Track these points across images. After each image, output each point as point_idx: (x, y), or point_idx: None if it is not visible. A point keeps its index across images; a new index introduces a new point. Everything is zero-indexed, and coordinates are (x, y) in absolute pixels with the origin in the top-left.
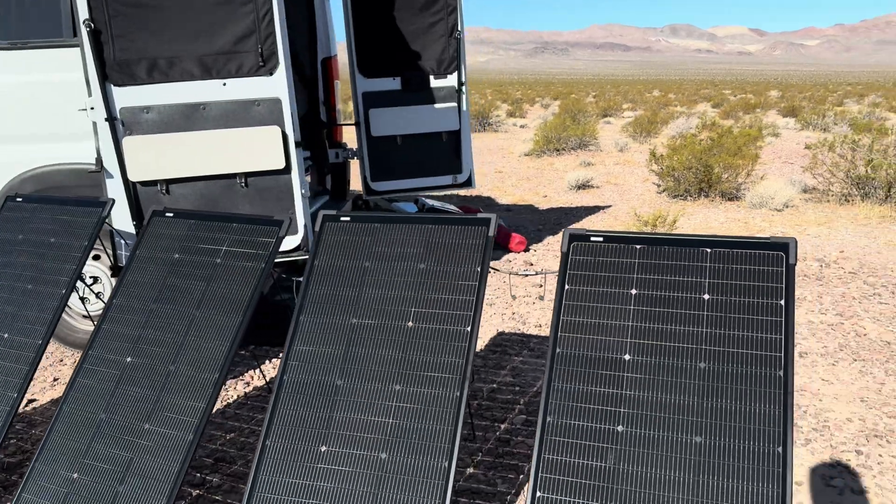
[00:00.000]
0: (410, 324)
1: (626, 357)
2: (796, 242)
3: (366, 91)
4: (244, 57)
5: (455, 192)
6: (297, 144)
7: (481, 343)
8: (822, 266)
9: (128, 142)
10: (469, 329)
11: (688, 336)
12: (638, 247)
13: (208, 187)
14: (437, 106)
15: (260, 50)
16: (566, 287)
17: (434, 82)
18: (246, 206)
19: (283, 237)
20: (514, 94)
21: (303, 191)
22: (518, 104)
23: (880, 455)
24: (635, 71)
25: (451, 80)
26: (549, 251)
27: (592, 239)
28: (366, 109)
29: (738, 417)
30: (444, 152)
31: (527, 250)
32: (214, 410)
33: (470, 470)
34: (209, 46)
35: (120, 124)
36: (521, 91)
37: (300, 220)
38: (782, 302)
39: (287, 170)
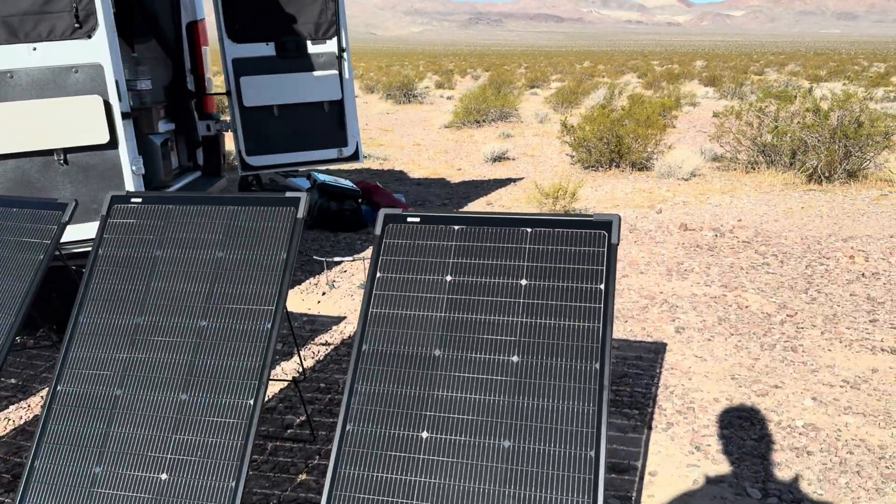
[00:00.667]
0: (204, 322)
1: (437, 352)
2: (619, 220)
3: (236, 57)
4: (57, 18)
5: (341, 166)
6: (126, 115)
7: (333, 333)
8: (716, 236)
9: None
10: (269, 326)
11: (502, 327)
12: (456, 227)
13: (21, 166)
14: (315, 73)
15: (75, 9)
16: (378, 275)
17: (312, 48)
18: (67, 187)
19: (68, 223)
20: (446, 66)
21: (134, 167)
22: (448, 75)
23: (742, 439)
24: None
25: (331, 46)
26: None
27: (409, 220)
28: (236, 78)
29: (549, 417)
30: (327, 124)
31: None
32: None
33: (301, 477)
34: (14, 6)
35: None
36: (455, 62)
37: None
38: (602, 286)
39: (113, 144)
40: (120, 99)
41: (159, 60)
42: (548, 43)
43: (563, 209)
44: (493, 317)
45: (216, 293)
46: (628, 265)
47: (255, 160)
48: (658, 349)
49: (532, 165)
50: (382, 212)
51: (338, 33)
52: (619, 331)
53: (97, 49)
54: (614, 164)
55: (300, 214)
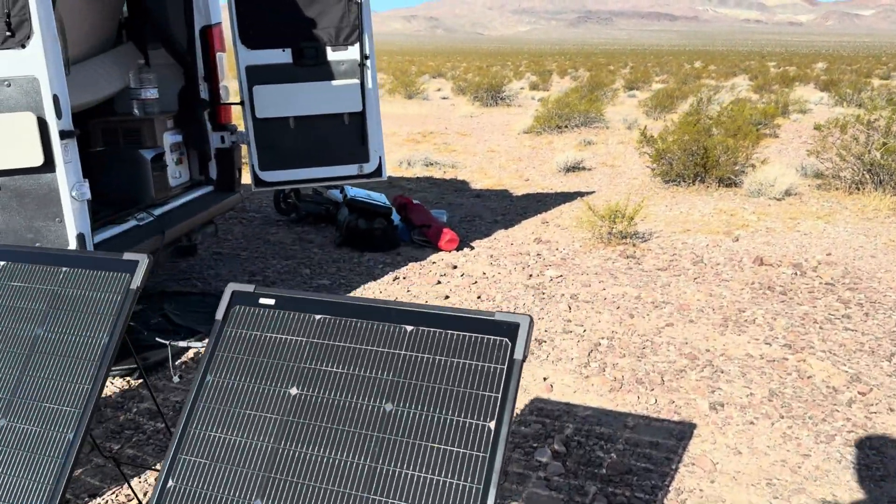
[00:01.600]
0: (2, 422)
1: None
2: (531, 323)
3: (250, 65)
4: None
5: (363, 180)
6: (66, 134)
7: None
8: (796, 274)
9: None
10: (72, 436)
11: (348, 474)
12: (318, 318)
13: None
14: (335, 83)
15: (7, 16)
16: (207, 378)
17: (332, 55)
18: None
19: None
20: (548, 66)
21: (74, 193)
22: (545, 76)
23: None
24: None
25: (353, 53)
26: (483, 254)
27: (261, 302)
28: (250, 86)
29: None
30: (347, 137)
31: (459, 249)
32: None
33: None
34: None
35: None
36: (558, 62)
37: (70, 231)
38: (492, 424)
39: (49, 167)
40: (59, 116)
41: (169, 67)
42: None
43: (619, 234)
44: (337, 456)
45: (25, 382)
46: (678, 310)
47: (268, 175)
48: (683, 433)
49: (608, 178)
50: (230, 288)
51: (360, 39)
52: (641, 404)
53: (31, 60)
54: (699, 178)
55: (135, 283)
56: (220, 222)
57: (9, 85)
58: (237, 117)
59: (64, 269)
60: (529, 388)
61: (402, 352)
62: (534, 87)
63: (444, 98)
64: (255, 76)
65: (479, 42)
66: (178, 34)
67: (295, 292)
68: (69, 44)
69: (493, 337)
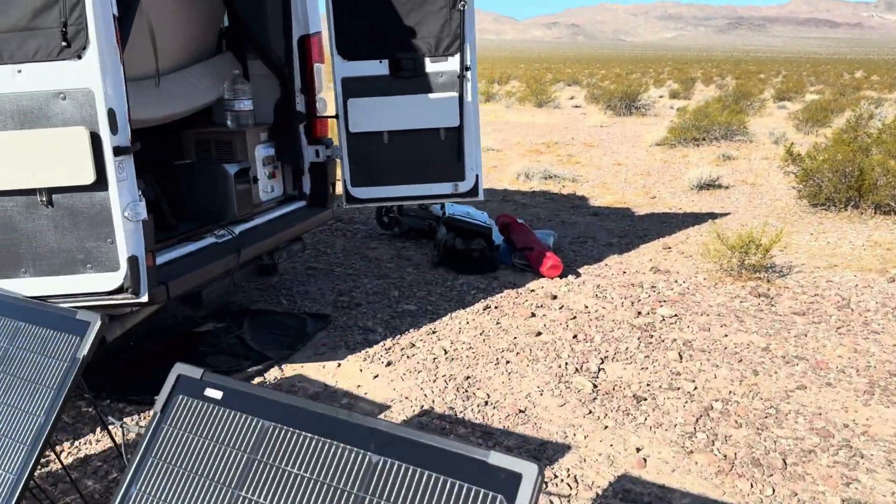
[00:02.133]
0: None
1: None
2: (538, 475)
3: (346, 76)
4: (44, 35)
5: (459, 199)
6: (121, 151)
7: None
8: None
9: None
10: None
11: None
12: (267, 425)
13: (4, 207)
14: (432, 96)
15: (63, 25)
16: (131, 490)
17: (430, 66)
18: (50, 233)
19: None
20: (692, 73)
21: (127, 213)
22: (688, 84)
23: None
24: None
25: (453, 64)
26: (589, 283)
27: (206, 394)
28: (345, 99)
29: None
30: (442, 154)
31: (562, 276)
32: None
33: None
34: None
35: None
36: (704, 70)
37: (122, 253)
38: None
39: (101, 185)
40: (113, 131)
41: (266, 78)
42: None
43: (751, 267)
44: None
45: None
46: (813, 368)
47: (359, 192)
48: None
49: (747, 198)
50: (176, 370)
51: (462, 49)
52: (754, 494)
53: (87, 72)
54: (851, 203)
55: (82, 352)
56: (323, 234)
57: (64, 98)
58: (335, 131)
59: (20, 323)
60: (617, 460)
61: (359, 492)
62: (674, 95)
63: (577, 107)
64: (351, 88)
65: (622, 49)
66: (275, 44)
67: (247, 386)
68: (165, 53)
69: (483, 490)
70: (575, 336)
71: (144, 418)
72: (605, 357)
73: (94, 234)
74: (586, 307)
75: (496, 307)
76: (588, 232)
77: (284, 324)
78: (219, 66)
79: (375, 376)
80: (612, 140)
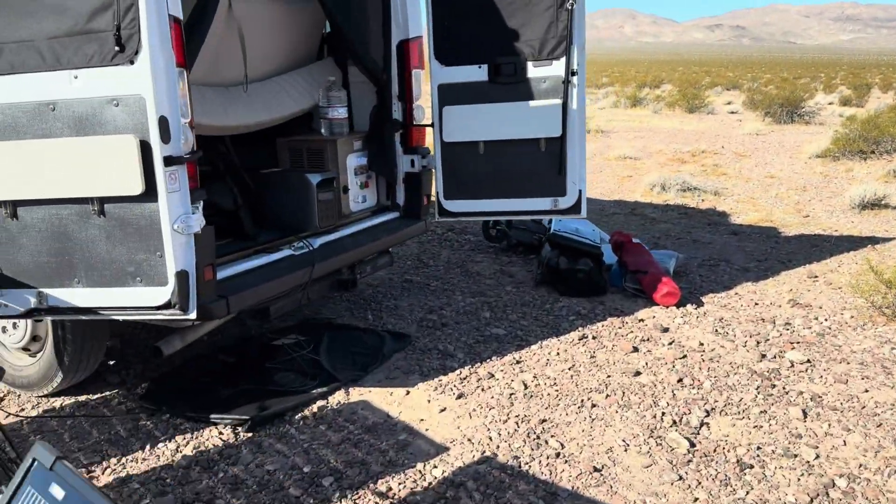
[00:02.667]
0: None
1: None
2: None
3: (442, 83)
4: (99, 39)
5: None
6: (175, 161)
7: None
8: None
9: None
10: None
11: None
12: None
13: (59, 215)
14: (533, 104)
15: (116, 28)
16: None
17: (533, 70)
18: (102, 243)
19: None
20: (870, 79)
21: (177, 226)
22: (862, 90)
23: None
24: None
25: (557, 68)
26: (710, 315)
27: (51, 490)
28: (440, 107)
29: None
30: (542, 166)
31: (679, 305)
32: None
33: None
34: (57, 24)
35: None
36: (884, 75)
37: (170, 267)
38: None
39: (150, 196)
40: (165, 140)
41: (363, 85)
42: None
43: None
44: None
45: None
46: None
47: (452, 205)
48: None
49: None
50: (33, 452)
51: (568, 52)
52: None
53: (139, 77)
54: None
55: None
56: (430, 244)
57: (116, 104)
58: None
59: None
60: None
61: None
62: (845, 102)
63: (733, 112)
64: (447, 95)
65: (791, 52)
66: (373, 49)
67: (91, 491)
68: (259, 59)
69: None
70: (680, 380)
71: (196, 438)
72: (712, 409)
73: (144, 246)
74: (701, 345)
75: (594, 337)
76: (722, 254)
77: (363, 341)
78: (318, 72)
79: (442, 409)
80: (766, 150)
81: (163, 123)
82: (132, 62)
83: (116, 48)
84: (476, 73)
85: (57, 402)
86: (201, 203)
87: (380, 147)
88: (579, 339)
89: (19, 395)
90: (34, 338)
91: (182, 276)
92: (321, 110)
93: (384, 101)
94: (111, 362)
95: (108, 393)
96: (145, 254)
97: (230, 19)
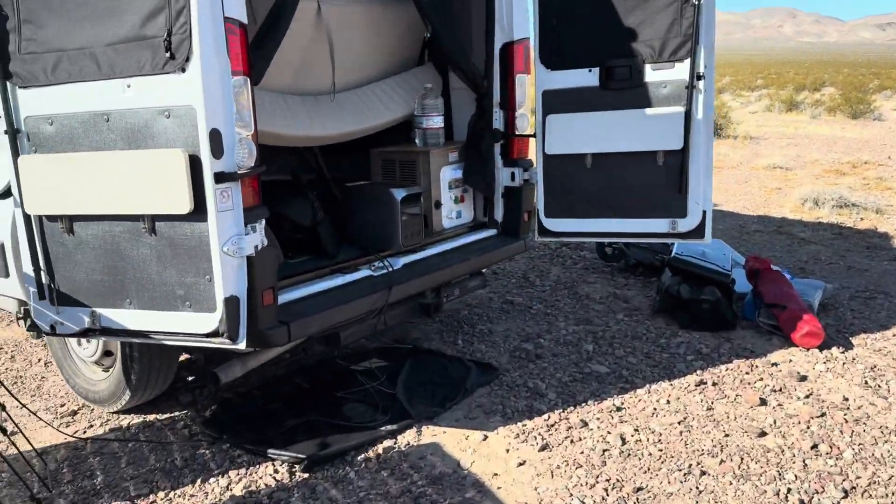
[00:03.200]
0: None
1: None
2: None
3: (548, 89)
4: (151, 45)
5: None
6: (227, 178)
7: None
8: None
9: (24, 162)
10: None
11: None
12: None
13: (112, 232)
14: (650, 111)
15: (167, 34)
16: None
17: (651, 74)
18: (153, 264)
19: None
20: None
21: (227, 248)
22: None
23: None
24: None
25: (680, 72)
26: (860, 361)
27: None
28: (544, 115)
29: None
30: (659, 183)
31: (823, 348)
32: None
33: None
34: (114, 30)
35: (25, 139)
36: None
37: (219, 293)
38: None
39: (199, 215)
40: (217, 154)
41: (462, 92)
42: None
43: None
44: None
45: None
46: None
47: (554, 224)
48: None
49: None
50: None
51: (693, 53)
52: None
53: (189, 87)
54: None
55: None
56: (541, 261)
57: (168, 116)
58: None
59: None
60: None
61: None
62: None
63: None
64: (552, 102)
65: None
66: (473, 52)
67: None
68: (351, 65)
69: None
70: (815, 446)
71: (250, 474)
72: (853, 488)
73: (193, 268)
74: (845, 400)
75: (714, 383)
76: (881, 284)
77: (447, 371)
78: (416, 79)
79: (521, 463)
80: None
81: (214, 137)
82: (183, 70)
83: (167, 55)
84: (585, 78)
85: (126, 421)
86: (262, 222)
87: (477, 159)
88: (696, 385)
89: (92, 410)
90: (107, 352)
91: (231, 303)
92: (416, 119)
93: (484, 110)
94: (190, 378)
95: (177, 413)
96: (194, 277)
97: (319, 23)
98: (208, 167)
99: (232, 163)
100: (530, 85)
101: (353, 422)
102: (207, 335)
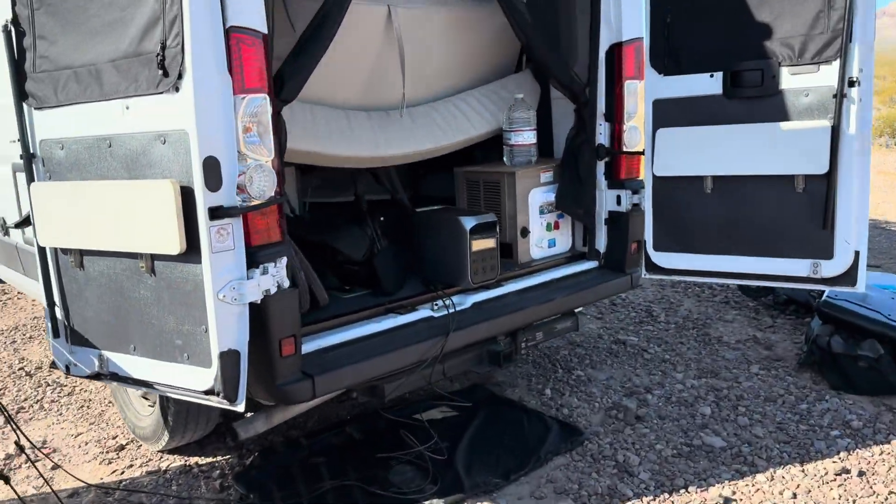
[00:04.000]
0: None
1: None
2: None
3: (659, 98)
4: (146, 62)
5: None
6: (224, 213)
7: None
8: None
9: (36, 189)
10: None
11: None
12: None
13: (115, 269)
14: (787, 126)
15: (161, 47)
16: None
17: (789, 79)
18: (153, 308)
19: None
20: None
21: (224, 294)
22: None
23: None
24: None
25: (827, 76)
26: None
27: None
28: (654, 129)
29: None
30: (797, 215)
31: None
32: None
33: None
34: (115, 45)
35: (40, 164)
36: None
37: (213, 346)
38: None
39: (193, 256)
40: (213, 186)
41: (565, 102)
42: None
43: None
44: None
45: None
46: None
47: (664, 259)
48: None
49: None
50: None
51: (844, 53)
52: None
53: (182, 108)
54: None
55: None
56: (672, 290)
57: (163, 142)
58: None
59: None
60: None
61: None
62: None
63: None
64: (665, 114)
65: None
66: (572, 55)
67: None
68: (428, 75)
69: None
70: None
71: None
72: None
73: (189, 316)
74: None
75: (862, 473)
76: None
77: (522, 429)
78: (508, 89)
79: None
80: None
81: (210, 166)
82: (177, 89)
83: (160, 72)
84: (706, 85)
85: (167, 462)
86: (282, 260)
87: (574, 180)
88: (836, 475)
89: (139, 446)
90: None
91: (228, 358)
92: (504, 134)
93: (584, 122)
94: (248, 414)
95: (220, 457)
96: (191, 325)
97: (389, 29)
98: (202, 201)
99: (232, 196)
100: (641, 94)
101: (394, 490)
102: (206, 392)
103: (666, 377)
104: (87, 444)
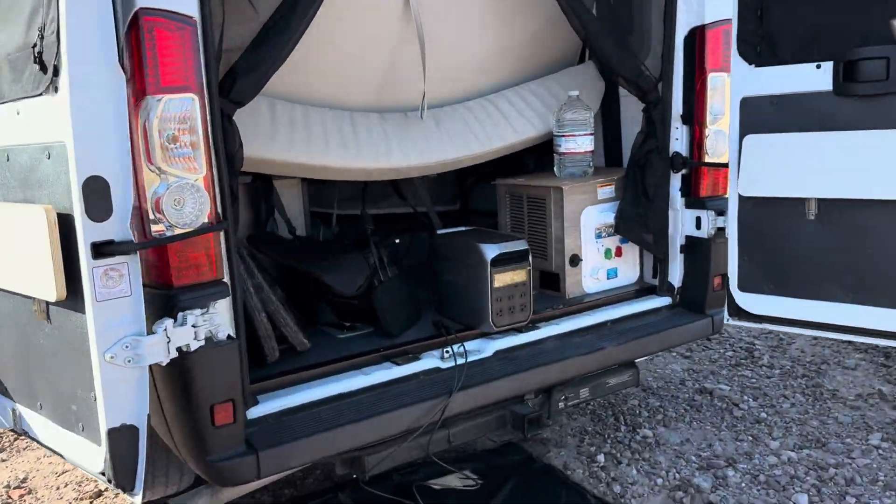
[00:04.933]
0: None
1: None
2: None
3: (748, 96)
4: (30, 56)
5: None
6: (114, 250)
7: None
8: None
9: None
10: None
11: None
12: None
13: (17, 312)
14: None
15: (39, 37)
16: None
17: None
18: (51, 361)
19: None
20: None
21: (111, 354)
22: None
23: None
24: None
25: None
26: None
27: None
28: (741, 135)
29: None
30: None
31: None
32: None
33: None
34: (9, 36)
35: None
36: None
37: (101, 420)
38: None
39: (75, 304)
40: (98, 216)
41: (630, 100)
42: None
43: None
44: None
45: None
46: None
47: (751, 302)
48: None
49: None
50: None
51: None
52: None
53: (59, 114)
54: None
55: None
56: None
57: (48, 156)
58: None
59: None
60: None
61: None
62: None
63: None
64: (753, 116)
65: None
66: (640, 43)
67: None
68: (461, 71)
69: None
70: None
71: None
72: None
73: (81, 379)
74: None
75: None
76: None
77: None
78: (563, 84)
79: None
80: None
81: (93, 189)
82: (56, 89)
83: (37, 67)
84: (811, 78)
85: None
86: (220, 303)
87: (640, 196)
88: None
89: (116, 495)
90: None
91: (120, 436)
92: (554, 140)
93: (654, 124)
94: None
95: None
96: (83, 390)
97: (407, 17)
98: (83, 234)
99: (125, 228)
100: (729, 90)
101: None
102: (102, 474)
103: (757, 444)
104: (66, 485)
